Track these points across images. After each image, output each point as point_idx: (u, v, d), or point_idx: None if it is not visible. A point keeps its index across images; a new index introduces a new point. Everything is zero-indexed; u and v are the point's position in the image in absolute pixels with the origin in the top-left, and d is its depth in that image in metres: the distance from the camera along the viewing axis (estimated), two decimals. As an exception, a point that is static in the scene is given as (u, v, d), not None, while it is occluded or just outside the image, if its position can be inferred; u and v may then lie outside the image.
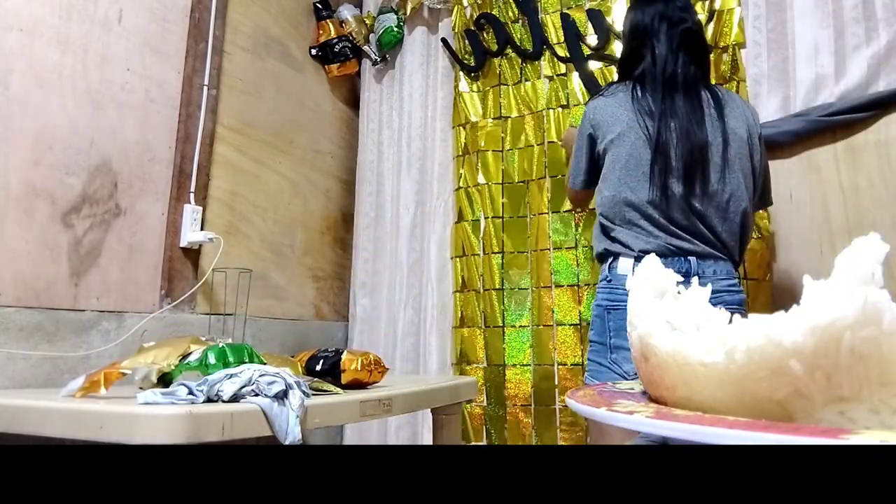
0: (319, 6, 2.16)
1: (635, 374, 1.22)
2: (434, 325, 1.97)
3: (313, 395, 0.99)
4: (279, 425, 0.86)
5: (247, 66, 1.86)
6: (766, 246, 1.56)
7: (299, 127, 2.06)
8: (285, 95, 2.01)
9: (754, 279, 1.55)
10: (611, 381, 1.21)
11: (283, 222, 1.97)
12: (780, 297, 1.54)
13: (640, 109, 1.26)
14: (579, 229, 1.80)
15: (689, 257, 1.21)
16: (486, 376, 1.85)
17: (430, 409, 1.52)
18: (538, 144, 1.89)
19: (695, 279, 0.44)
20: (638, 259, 1.22)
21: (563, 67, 1.89)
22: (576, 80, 1.86)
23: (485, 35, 2.03)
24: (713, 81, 1.64)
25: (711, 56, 1.65)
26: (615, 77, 1.79)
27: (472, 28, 2.04)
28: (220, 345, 1.02)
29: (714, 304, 0.41)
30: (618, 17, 1.82)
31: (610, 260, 1.28)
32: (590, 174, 1.37)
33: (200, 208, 1.64)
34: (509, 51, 1.99)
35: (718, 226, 1.23)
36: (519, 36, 1.98)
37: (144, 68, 1.52)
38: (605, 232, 1.30)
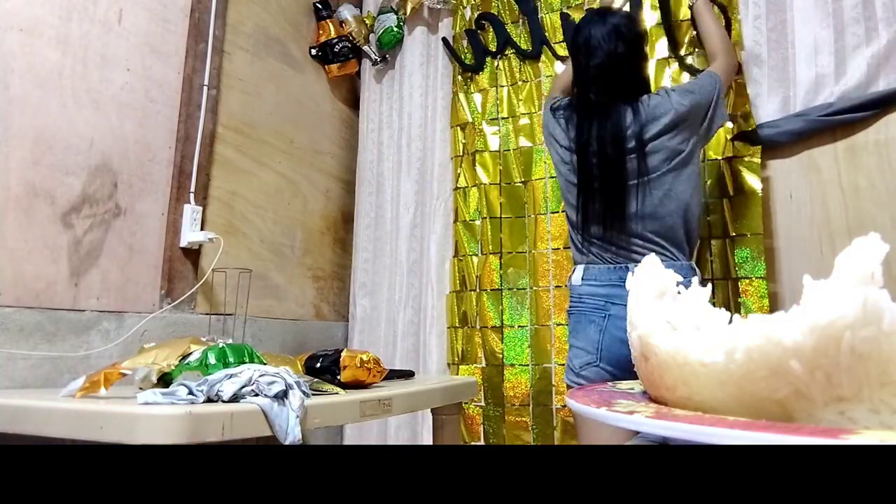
0: (319, 6, 2.16)
1: (580, 367, 1.35)
2: (434, 325, 1.97)
3: (313, 395, 0.99)
4: (279, 425, 0.86)
5: (247, 66, 1.86)
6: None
7: (299, 127, 2.06)
8: (285, 95, 2.01)
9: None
10: (569, 376, 1.37)
11: (283, 222, 1.97)
12: (780, 297, 1.54)
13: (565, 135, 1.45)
14: (579, 229, 1.80)
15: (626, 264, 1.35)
16: (484, 376, 1.85)
17: (430, 410, 1.52)
18: (537, 145, 1.89)
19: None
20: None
21: (562, 67, 1.89)
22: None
23: (485, 35, 2.03)
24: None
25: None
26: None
27: (473, 28, 2.04)
28: (220, 345, 1.02)
29: None
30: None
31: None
32: None
33: (200, 208, 1.64)
34: (509, 51, 1.99)
35: (646, 227, 1.34)
36: (518, 36, 1.97)
37: (144, 68, 1.52)
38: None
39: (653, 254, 0.47)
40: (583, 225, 1.40)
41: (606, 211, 1.35)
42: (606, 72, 1.37)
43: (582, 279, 1.39)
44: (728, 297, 1.54)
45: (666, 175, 1.33)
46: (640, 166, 1.33)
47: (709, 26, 1.49)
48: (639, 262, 1.41)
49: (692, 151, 1.36)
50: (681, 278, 0.45)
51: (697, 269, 1.38)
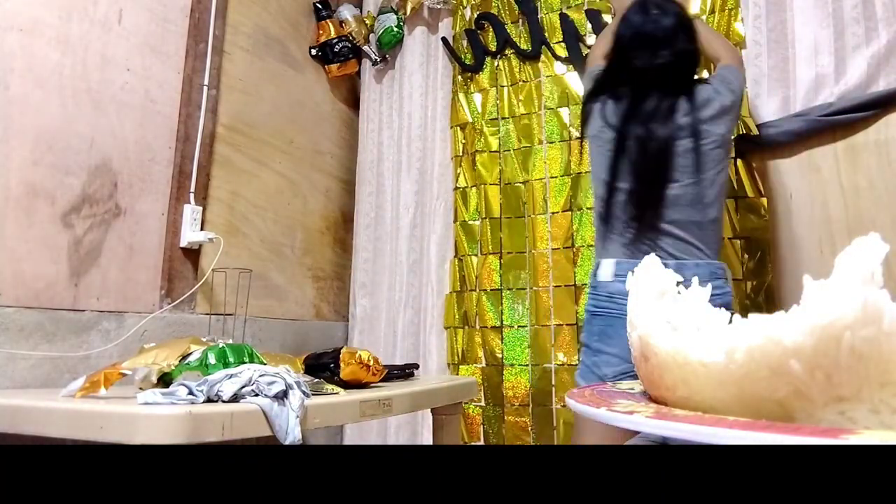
0: (319, 6, 2.16)
1: (613, 377, 1.21)
2: (434, 325, 1.97)
3: (313, 395, 0.99)
4: (279, 425, 0.86)
5: (247, 66, 1.86)
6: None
7: (299, 127, 2.06)
8: (285, 95, 2.01)
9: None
10: (592, 383, 1.27)
11: (283, 222, 1.97)
12: (780, 297, 1.54)
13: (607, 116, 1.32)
14: (576, 229, 1.79)
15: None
16: (484, 376, 1.85)
17: (430, 409, 1.52)
18: (537, 145, 1.89)
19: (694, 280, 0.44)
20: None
21: (561, 67, 1.89)
22: (574, 80, 1.86)
23: (485, 35, 2.03)
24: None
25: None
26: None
27: (473, 28, 2.04)
28: (220, 345, 1.02)
29: None
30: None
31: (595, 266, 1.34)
32: None
33: (200, 208, 1.64)
34: (509, 51, 1.99)
35: (689, 217, 1.25)
36: (518, 36, 1.98)
37: (144, 68, 1.52)
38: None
39: (653, 254, 0.47)
40: (619, 212, 1.27)
41: (650, 197, 1.23)
42: (671, 69, 1.27)
43: (614, 275, 1.23)
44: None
45: (712, 162, 1.25)
46: (692, 152, 1.24)
47: (706, 37, 1.40)
48: (676, 256, 1.22)
49: (730, 141, 1.33)
50: (680, 278, 0.45)
51: (728, 270, 1.30)
